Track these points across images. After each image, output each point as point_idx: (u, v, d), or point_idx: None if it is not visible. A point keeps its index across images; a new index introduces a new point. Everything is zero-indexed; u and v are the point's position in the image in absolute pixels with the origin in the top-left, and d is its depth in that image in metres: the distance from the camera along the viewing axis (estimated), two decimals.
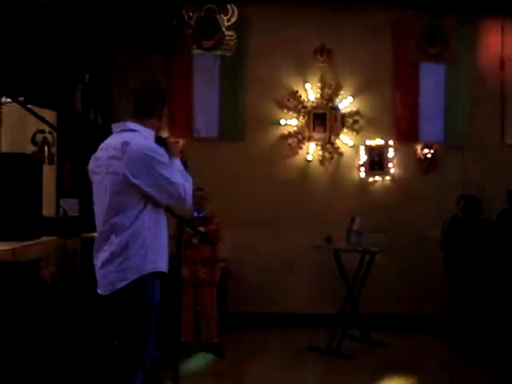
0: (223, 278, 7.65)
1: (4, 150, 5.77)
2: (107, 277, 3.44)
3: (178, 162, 3.59)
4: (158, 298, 3.51)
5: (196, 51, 8.23)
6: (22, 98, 5.99)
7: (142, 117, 3.58)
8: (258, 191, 8.16)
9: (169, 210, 4.11)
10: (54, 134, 6.44)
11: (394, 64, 8.40)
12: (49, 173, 6.73)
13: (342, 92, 8.33)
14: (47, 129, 6.25)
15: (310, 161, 8.33)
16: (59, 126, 6.87)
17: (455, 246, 7.32)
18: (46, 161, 6.66)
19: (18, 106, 5.54)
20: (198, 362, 6.36)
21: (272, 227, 8.07)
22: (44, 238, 5.66)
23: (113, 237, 3.42)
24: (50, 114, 6.77)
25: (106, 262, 3.44)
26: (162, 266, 3.52)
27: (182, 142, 8.17)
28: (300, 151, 8.33)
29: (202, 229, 6.52)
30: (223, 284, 7.71)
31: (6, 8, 5.81)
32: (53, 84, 6.68)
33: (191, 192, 3.53)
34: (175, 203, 3.49)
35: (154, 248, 3.46)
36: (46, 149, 6.64)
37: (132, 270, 3.39)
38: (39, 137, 6.50)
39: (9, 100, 5.63)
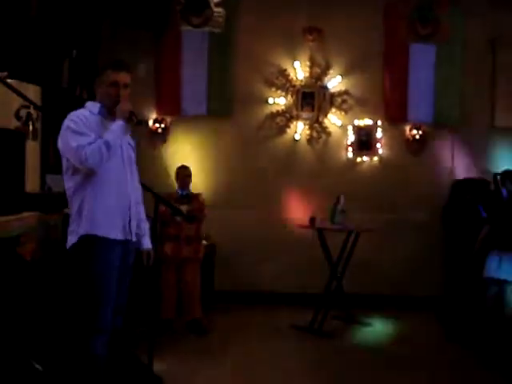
0: (210, 257, 7.67)
1: None
2: None
3: (114, 126, 3.65)
4: (105, 262, 3.59)
5: (185, 28, 8.14)
6: (5, 73, 5.98)
7: (83, 89, 3.84)
8: (244, 169, 8.14)
9: (144, 187, 4.12)
10: None
11: (385, 44, 8.32)
12: (33, 148, 6.70)
13: (331, 71, 8.27)
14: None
15: (297, 140, 8.29)
16: (44, 101, 6.83)
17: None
18: (31, 136, 6.64)
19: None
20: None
21: (258, 206, 8.07)
22: (26, 214, 5.65)
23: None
24: (34, 89, 6.73)
25: None
26: (103, 231, 3.60)
27: (169, 119, 8.22)
28: (288, 130, 8.29)
29: (185, 207, 6.52)
30: (210, 263, 7.73)
31: None
32: (39, 59, 6.63)
33: (98, 152, 3.50)
34: (80, 165, 3.54)
35: (94, 212, 3.59)
36: (30, 124, 6.60)
37: (73, 234, 3.64)
38: (23, 112, 6.46)
39: None
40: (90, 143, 3.52)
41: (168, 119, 8.23)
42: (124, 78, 3.73)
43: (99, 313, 3.56)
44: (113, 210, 3.65)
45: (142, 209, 3.94)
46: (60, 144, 3.65)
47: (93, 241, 3.58)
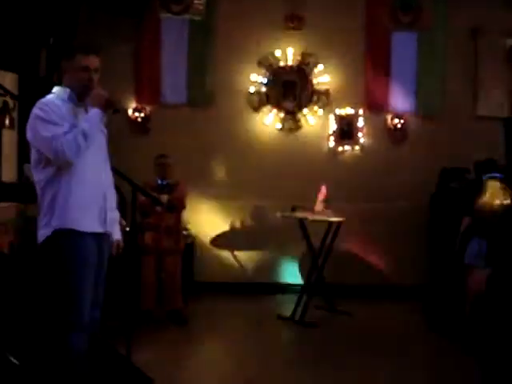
0: (190, 247, 7.61)
1: None
2: None
3: (90, 114, 3.49)
4: (81, 256, 3.45)
5: (164, 15, 8.04)
6: None
7: (61, 76, 3.65)
8: (225, 159, 8.10)
9: (123, 177, 4.05)
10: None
11: (367, 32, 8.29)
12: (10, 138, 6.62)
13: (313, 60, 8.21)
14: None
15: (279, 129, 8.24)
16: (21, 89, 6.73)
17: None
18: (7, 125, 6.54)
19: None
20: None
21: (239, 195, 8.03)
22: (2, 204, 5.58)
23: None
24: (11, 77, 6.64)
25: None
26: (79, 224, 3.45)
27: (149, 108, 8.14)
28: (269, 119, 8.23)
29: (166, 196, 6.47)
30: (190, 253, 7.67)
31: None
32: (16, 47, 6.53)
33: (74, 142, 3.34)
34: (55, 157, 3.36)
35: (69, 205, 3.43)
36: (6, 113, 6.51)
37: (45, 227, 3.48)
38: None
39: None
40: (64, 133, 3.35)
41: (148, 108, 8.15)
42: (94, 62, 3.55)
43: (77, 308, 3.41)
44: (88, 202, 3.50)
45: (114, 197, 3.78)
46: (29, 135, 3.46)
47: (68, 234, 3.42)
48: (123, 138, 7.54)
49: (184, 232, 7.04)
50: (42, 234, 3.48)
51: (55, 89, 3.60)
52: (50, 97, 3.53)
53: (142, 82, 8.11)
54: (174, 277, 6.58)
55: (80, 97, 3.55)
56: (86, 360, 3.46)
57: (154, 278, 6.54)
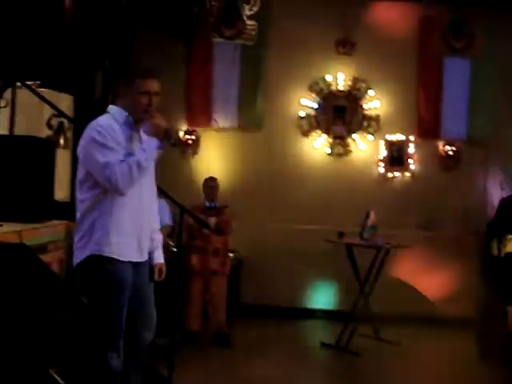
0: (236, 270, 7.61)
1: (18, 132, 5.79)
2: None
3: (148, 146, 3.39)
4: (114, 282, 3.37)
5: (217, 39, 8.16)
6: (38, 82, 6.05)
7: (116, 98, 3.62)
8: (273, 183, 8.08)
9: (173, 200, 4.08)
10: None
11: (418, 58, 8.25)
12: (64, 157, 6.76)
13: (364, 85, 8.19)
14: None
15: (328, 154, 8.22)
16: (77, 111, 6.89)
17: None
18: (62, 145, 6.69)
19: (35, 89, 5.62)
20: None
21: (286, 220, 7.98)
22: (54, 222, 5.68)
23: (76, 214, 3.47)
24: (67, 98, 6.80)
25: None
26: (116, 252, 3.37)
27: (199, 130, 8.22)
28: (319, 144, 8.22)
29: (213, 219, 6.50)
30: (236, 276, 7.66)
31: None
32: (73, 68, 6.71)
33: (128, 173, 3.27)
34: (107, 185, 3.29)
35: (109, 231, 3.35)
36: (61, 133, 6.66)
37: (81, 250, 3.40)
38: (55, 121, 6.52)
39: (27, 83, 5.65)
40: (120, 161, 3.27)
41: (198, 131, 8.23)
42: (154, 85, 3.46)
43: (111, 330, 3.37)
44: (128, 229, 3.41)
45: (156, 220, 3.72)
46: (81, 155, 3.40)
47: (103, 260, 3.35)
48: (173, 159, 7.61)
49: (230, 254, 7.04)
50: (78, 256, 3.41)
51: (112, 109, 3.50)
52: (106, 118, 3.44)
53: (193, 105, 8.20)
54: (220, 299, 6.58)
55: (137, 121, 3.46)
56: (121, 380, 3.43)
57: (200, 300, 6.55)
